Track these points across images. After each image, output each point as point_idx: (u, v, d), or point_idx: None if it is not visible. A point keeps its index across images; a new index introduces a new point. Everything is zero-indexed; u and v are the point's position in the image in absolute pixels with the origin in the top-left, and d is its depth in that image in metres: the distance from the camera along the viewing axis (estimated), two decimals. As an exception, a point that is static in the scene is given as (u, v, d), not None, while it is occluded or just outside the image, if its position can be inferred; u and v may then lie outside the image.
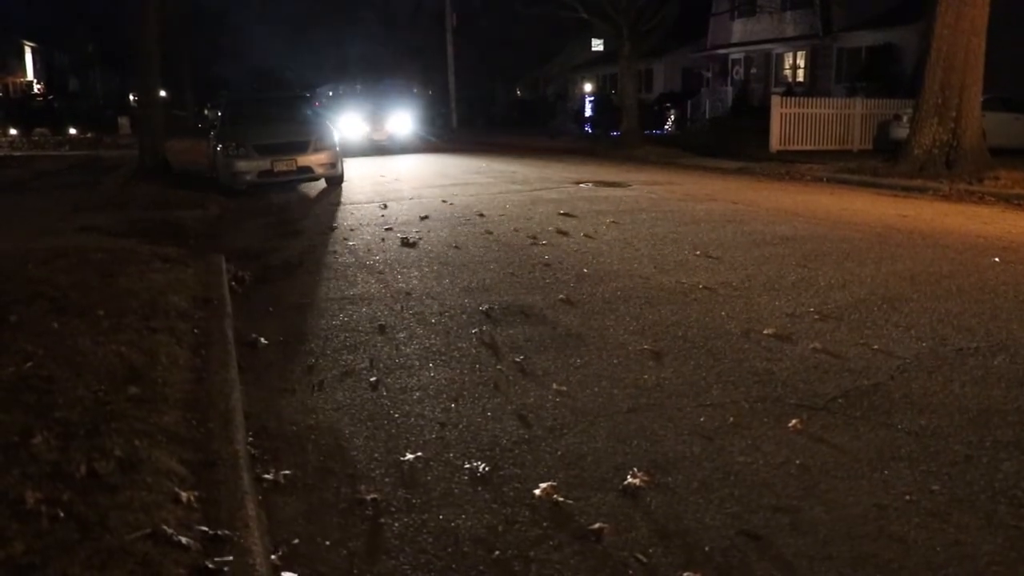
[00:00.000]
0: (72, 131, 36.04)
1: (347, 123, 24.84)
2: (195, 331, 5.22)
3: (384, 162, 21.01)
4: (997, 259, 7.70)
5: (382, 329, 5.74)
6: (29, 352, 4.47)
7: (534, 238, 9.11)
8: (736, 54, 38.28)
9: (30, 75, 56.55)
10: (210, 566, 2.57)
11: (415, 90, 38.03)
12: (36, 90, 52.57)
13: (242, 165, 14.38)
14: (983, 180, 13.94)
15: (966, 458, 3.55)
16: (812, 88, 32.05)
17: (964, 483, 3.33)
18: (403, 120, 27.03)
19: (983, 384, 4.43)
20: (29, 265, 6.83)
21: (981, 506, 3.14)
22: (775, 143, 21.63)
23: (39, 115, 38.29)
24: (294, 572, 2.81)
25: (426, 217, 10.88)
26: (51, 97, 45.34)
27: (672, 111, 35.25)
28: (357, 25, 56.13)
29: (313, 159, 14.78)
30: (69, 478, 3.02)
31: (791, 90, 30.63)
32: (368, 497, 3.29)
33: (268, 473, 3.51)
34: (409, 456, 3.65)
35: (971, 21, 14.62)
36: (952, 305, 6.06)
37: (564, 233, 9.44)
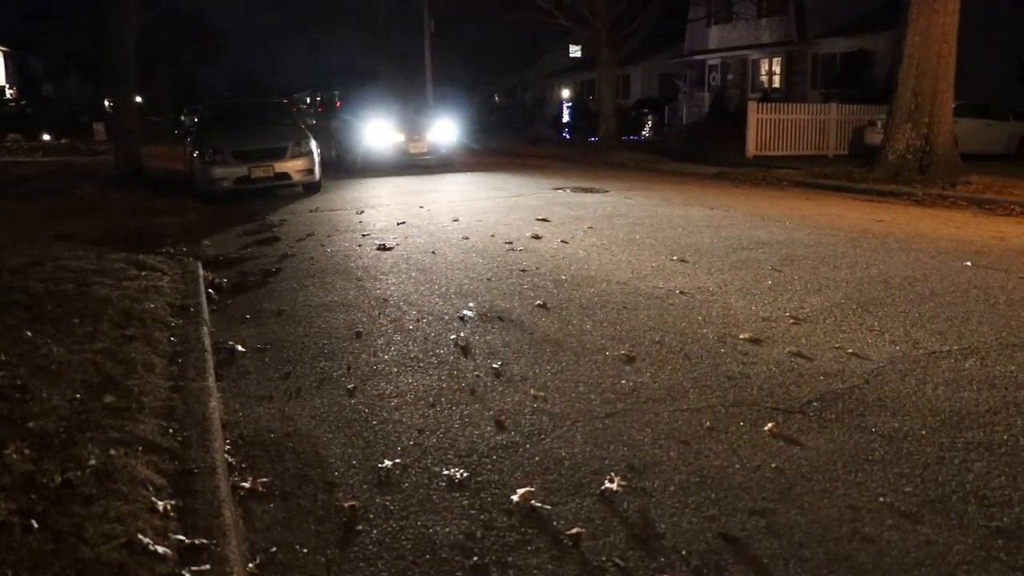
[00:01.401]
0: (46, 137, 35.67)
1: (375, 132, 19.65)
2: (172, 339, 5.19)
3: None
4: (969, 263, 7.80)
5: (359, 336, 5.73)
6: (2, 361, 4.43)
7: (511, 244, 9.13)
8: (713, 60, 38.58)
9: (2, 80, 55.94)
10: (187, 575, 2.56)
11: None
12: (8, 95, 52.00)
13: (219, 171, 14.33)
14: (955, 185, 14.14)
15: (938, 459, 3.60)
16: (788, 94, 32.36)
17: (936, 484, 3.37)
18: (447, 128, 20.91)
19: (955, 387, 4.49)
20: (3, 273, 6.77)
21: (952, 507, 3.19)
22: (751, 148, 21.81)
23: (11, 121, 37.86)
24: (272, 580, 2.80)
25: (403, 223, 10.87)
26: (24, 103, 44.90)
27: (649, 117, 35.43)
28: (337, 31, 56.02)
29: (291, 165, 14.75)
30: (43, 489, 3.00)
31: (767, 96, 30.90)
32: (346, 504, 3.29)
33: (245, 481, 3.50)
34: (387, 463, 3.65)
35: (942, 29, 14.84)
36: (925, 309, 6.13)
37: (541, 239, 9.46)
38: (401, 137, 19.68)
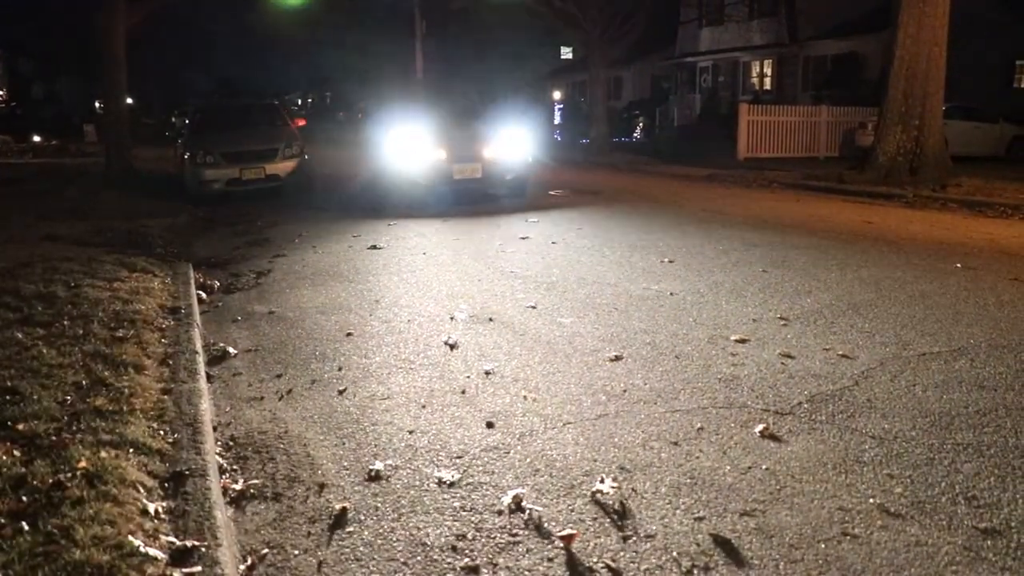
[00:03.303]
0: (36, 138, 35.57)
1: (400, 148, 13.18)
2: (162, 340, 5.18)
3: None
4: (959, 264, 7.83)
5: (350, 337, 5.73)
6: (-8, 363, 4.41)
7: (502, 245, 9.13)
8: (704, 62, 38.64)
9: (-8, 82, 55.77)
10: (177, 577, 2.56)
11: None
12: (-1, 97, 51.86)
13: (210, 173, 14.31)
14: (946, 187, 14.20)
15: (927, 461, 3.61)
16: (779, 96, 32.45)
17: (926, 485, 3.38)
18: (516, 142, 13.79)
19: (944, 388, 4.51)
20: (-8, 275, 6.74)
21: (942, 507, 3.20)
22: (742, 150, 21.88)
23: (2, 122, 37.79)
24: (263, 582, 2.80)
25: (393, 224, 10.86)
26: (14, 104, 44.77)
27: (641, 119, 35.53)
28: (327, 33, 55.91)
29: (282, 167, 14.74)
30: (34, 491, 2.99)
31: (758, 98, 30.99)
32: (337, 505, 3.29)
33: (236, 483, 3.49)
34: (378, 464, 3.65)
35: (932, 32, 14.91)
36: (915, 310, 6.15)
37: (532, 240, 9.46)
38: (441, 155, 13.06)
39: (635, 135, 34.51)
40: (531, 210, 12.15)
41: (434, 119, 13.91)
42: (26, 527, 2.73)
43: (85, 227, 10.30)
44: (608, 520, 3.15)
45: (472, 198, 13.48)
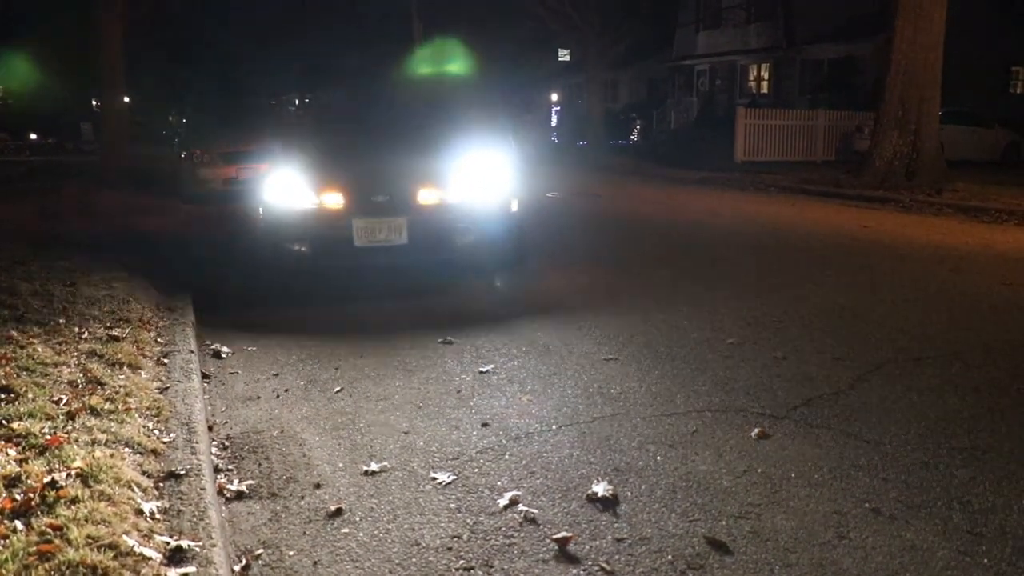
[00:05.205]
0: (32, 136, 35.49)
1: (276, 184, 7.22)
2: (159, 339, 5.17)
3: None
4: (954, 269, 7.84)
5: (347, 338, 5.72)
6: (-13, 361, 4.40)
7: (500, 247, 9.11)
8: (701, 65, 38.64)
9: (-11, 79, 55.50)
10: (172, 577, 2.55)
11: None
12: (-5, 94, 51.65)
13: (206, 172, 14.28)
14: (941, 192, 14.24)
15: (923, 465, 3.62)
16: (776, 99, 32.44)
17: (921, 490, 3.39)
18: (484, 172, 7.18)
19: (940, 392, 4.51)
20: (-12, 273, 6.72)
21: (937, 512, 3.20)
22: (739, 154, 21.90)
23: (-2, 120, 37.73)
24: (257, 582, 2.79)
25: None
26: (11, 101, 44.68)
27: (638, 121, 35.54)
28: (324, 34, 55.80)
29: None
30: (28, 491, 2.98)
31: (755, 101, 30.99)
32: (332, 507, 3.28)
33: (232, 483, 3.49)
34: (374, 465, 3.64)
35: (929, 36, 14.96)
36: (911, 314, 6.16)
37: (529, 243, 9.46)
38: (334, 202, 7.09)
39: (632, 138, 34.52)
40: (530, 213, 11.77)
41: (351, 137, 8.24)
42: (20, 526, 2.73)
43: (81, 225, 10.29)
44: (603, 522, 3.15)
45: (397, 282, 7.33)
